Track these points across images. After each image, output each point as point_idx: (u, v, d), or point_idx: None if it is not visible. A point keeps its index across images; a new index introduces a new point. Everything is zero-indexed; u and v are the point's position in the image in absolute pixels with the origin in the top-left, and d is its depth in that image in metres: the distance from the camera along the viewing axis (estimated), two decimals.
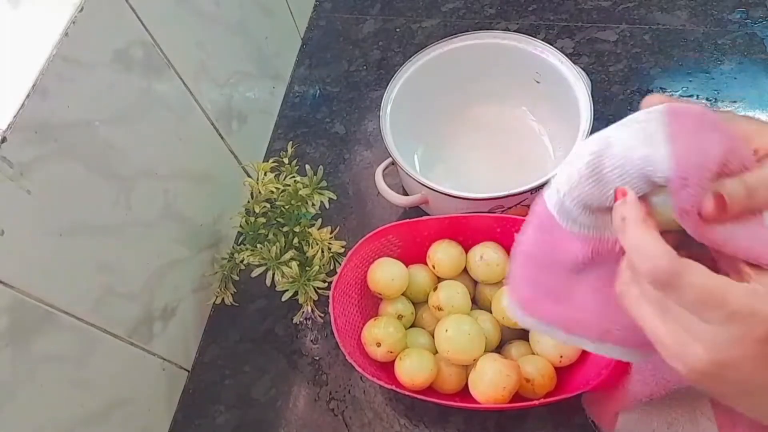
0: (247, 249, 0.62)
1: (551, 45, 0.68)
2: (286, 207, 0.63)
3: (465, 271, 0.62)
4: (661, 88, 0.77)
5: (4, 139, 0.41)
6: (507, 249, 0.61)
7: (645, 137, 0.30)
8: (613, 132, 0.31)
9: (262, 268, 0.61)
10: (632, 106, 0.76)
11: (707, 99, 0.75)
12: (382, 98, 0.68)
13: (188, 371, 0.67)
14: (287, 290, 0.61)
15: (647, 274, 0.29)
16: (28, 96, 0.42)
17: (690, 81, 0.77)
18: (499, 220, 0.60)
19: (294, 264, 0.60)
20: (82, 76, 0.47)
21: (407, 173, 0.63)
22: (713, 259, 0.32)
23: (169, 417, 0.64)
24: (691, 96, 0.76)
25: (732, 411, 0.43)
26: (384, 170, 0.67)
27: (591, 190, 0.32)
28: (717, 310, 0.28)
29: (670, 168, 0.29)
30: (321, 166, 0.66)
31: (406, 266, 0.61)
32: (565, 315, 0.37)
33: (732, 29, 0.81)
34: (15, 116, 0.41)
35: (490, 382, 0.52)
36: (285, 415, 0.62)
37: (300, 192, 0.63)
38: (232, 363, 0.67)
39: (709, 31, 0.81)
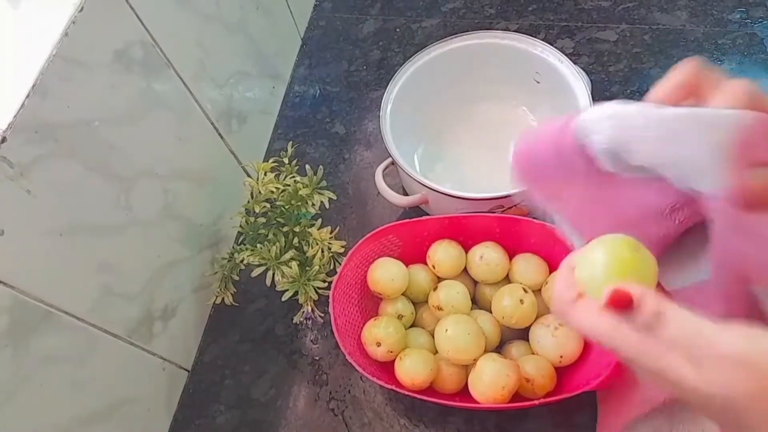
0: (247, 249, 0.62)
1: (551, 45, 0.68)
2: (286, 207, 0.63)
3: (465, 271, 0.62)
4: None
5: (4, 139, 0.41)
6: (507, 249, 0.61)
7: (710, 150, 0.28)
8: (685, 120, 0.28)
9: (262, 268, 0.61)
10: None
11: None
12: (382, 98, 0.68)
13: (188, 371, 0.67)
14: (287, 290, 0.61)
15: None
16: (28, 96, 0.42)
17: None
18: (499, 220, 0.60)
19: (294, 264, 0.60)
20: (82, 76, 0.47)
21: (407, 173, 0.63)
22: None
23: (169, 417, 0.64)
24: None
25: None
26: (384, 170, 0.67)
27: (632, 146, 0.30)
28: (703, 348, 0.28)
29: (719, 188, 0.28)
30: (321, 166, 0.66)
31: (406, 266, 0.61)
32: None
33: (732, 29, 0.81)
34: (15, 116, 0.41)
35: (489, 382, 0.52)
36: (285, 415, 0.62)
37: (300, 192, 0.63)
38: (232, 363, 0.67)
39: (709, 31, 0.81)
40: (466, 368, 0.57)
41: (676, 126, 0.28)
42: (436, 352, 0.58)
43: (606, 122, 0.30)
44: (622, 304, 0.30)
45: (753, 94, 0.29)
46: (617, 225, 0.34)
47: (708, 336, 0.28)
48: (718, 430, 0.47)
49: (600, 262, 0.31)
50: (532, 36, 0.69)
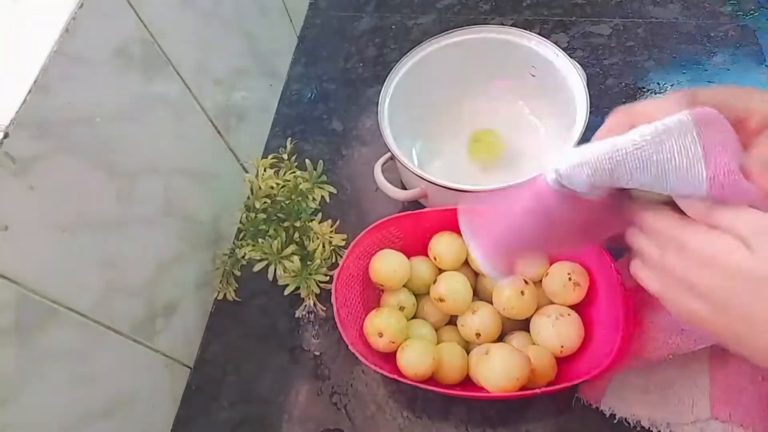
0: (248, 244, 0.62)
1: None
2: (287, 202, 0.64)
3: (466, 262, 0.62)
4: (656, 81, 0.78)
5: (6, 135, 0.41)
6: None
7: (684, 161, 0.32)
8: (650, 139, 0.32)
9: (264, 263, 0.61)
10: (627, 99, 0.77)
11: None
12: (378, 95, 0.69)
13: (190, 368, 0.67)
14: (289, 285, 0.61)
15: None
16: (29, 92, 0.43)
17: (683, 73, 0.78)
18: None
19: (295, 258, 0.61)
20: (82, 73, 0.48)
21: (406, 167, 0.63)
22: None
23: (172, 414, 0.64)
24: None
25: (729, 389, 0.45)
26: (383, 165, 0.68)
27: (618, 176, 0.34)
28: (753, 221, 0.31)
29: (707, 189, 0.32)
30: (321, 161, 0.66)
31: (408, 258, 0.61)
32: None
33: (724, 21, 0.81)
34: (17, 112, 0.42)
35: (502, 372, 0.52)
36: (288, 410, 0.63)
37: (300, 186, 0.63)
38: (235, 359, 0.67)
39: (701, 23, 0.82)
40: (468, 359, 0.58)
41: (644, 152, 0.32)
42: (438, 343, 0.58)
43: (580, 169, 0.34)
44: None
45: (687, 95, 0.34)
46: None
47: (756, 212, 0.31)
48: (706, 395, 0.49)
49: None
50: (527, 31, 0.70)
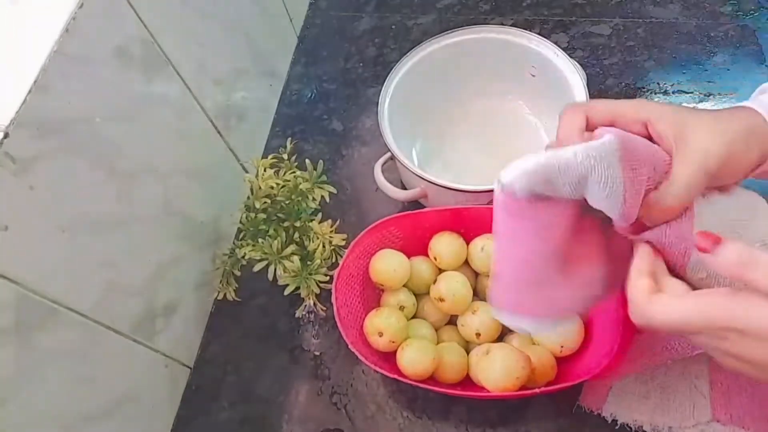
0: (248, 244, 0.62)
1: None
2: (287, 202, 0.64)
3: (466, 262, 0.62)
4: (656, 81, 0.78)
5: (6, 135, 0.41)
6: None
7: (607, 190, 0.36)
8: (580, 164, 0.36)
9: (264, 263, 0.61)
10: (627, 98, 0.77)
11: (701, 91, 0.76)
12: (378, 95, 0.69)
13: (190, 368, 0.67)
14: (289, 285, 0.61)
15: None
16: (29, 92, 0.42)
17: (683, 73, 0.78)
18: None
19: (295, 258, 0.61)
20: (82, 73, 0.48)
21: (406, 167, 0.63)
22: None
23: (172, 414, 0.64)
24: (684, 91, 0.77)
25: (729, 391, 0.45)
26: (383, 165, 0.68)
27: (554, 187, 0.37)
28: None
29: (621, 215, 0.37)
30: (321, 161, 0.66)
31: (408, 258, 0.61)
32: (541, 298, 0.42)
33: (724, 21, 0.82)
34: (17, 112, 0.42)
35: (502, 371, 0.52)
36: (288, 410, 0.63)
37: (300, 186, 0.63)
38: (234, 359, 0.67)
39: (701, 23, 0.82)
40: (467, 358, 0.58)
41: (579, 171, 0.36)
42: (438, 342, 0.58)
43: (524, 177, 0.37)
44: (708, 244, 0.32)
45: (608, 111, 0.39)
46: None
47: None
48: (707, 397, 0.50)
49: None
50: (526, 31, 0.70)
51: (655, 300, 0.34)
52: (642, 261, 0.37)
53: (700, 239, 0.33)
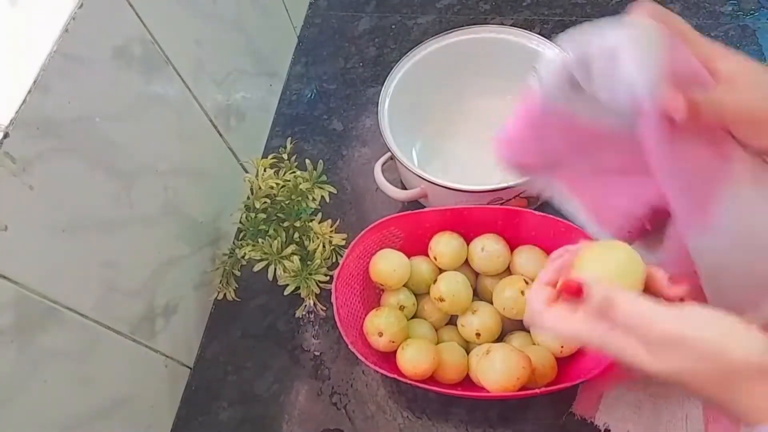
0: (248, 244, 0.62)
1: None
2: (286, 202, 0.64)
3: (466, 262, 0.62)
4: None
5: (6, 135, 0.41)
6: (508, 241, 0.62)
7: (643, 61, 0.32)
8: (623, 41, 0.33)
9: (264, 263, 0.61)
10: None
11: None
12: (378, 95, 0.69)
13: (190, 368, 0.67)
14: (289, 285, 0.61)
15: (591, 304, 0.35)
16: (29, 92, 0.43)
17: None
18: (501, 212, 0.61)
19: (295, 258, 0.61)
20: (82, 73, 0.48)
21: (406, 167, 0.63)
22: None
23: (172, 414, 0.64)
24: None
25: None
26: (383, 165, 0.68)
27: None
28: (649, 332, 0.32)
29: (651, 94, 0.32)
30: (321, 161, 0.66)
31: (408, 258, 0.61)
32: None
33: (724, 21, 0.81)
34: (17, 112, 0.42)
35: (503, 371, 0.52)
36: (288, 410, 0.63)
37: (300, 186, 0.63)
38: (234, 359, 0.67)
39: (702, 23, 0.82)
40: (467, 358, 0.58)
41: (616, 43, 0.33)
42: (438, 342, 0.58)
43: (564, 49, 0.34)
44: (572, 291, 0.35)
45: (662, 13, 0.34)
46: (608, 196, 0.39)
47: (650, 318, 0.32)
48: (699, 407, 0.50)
49: (597, 269, 0.36)
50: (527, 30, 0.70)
51: (551, 310, 0.36)
52: (546, 273, 0.39)
53: (566, 287, 0.36)
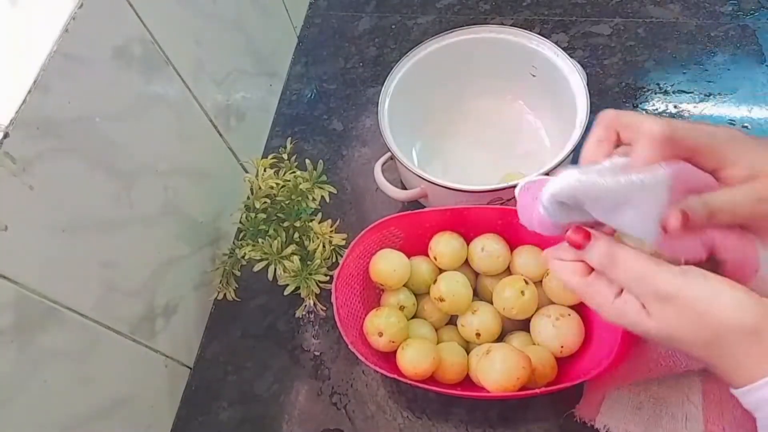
0: (248, 244, 0.62)
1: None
2: (286, 202, 0.64)
3: (466, 262, 0.62)
4: (656, 82, 0.78)
5: (6, 135, 0.41)
6: (508, 241, 0.62)
7: (647, 213, 0.34)
8: (625, 184, 0.35)
9: (264, 263, 0.61)
10: (627, 99, 0.77)
11: (701, 91, 0.76)
12: (378, 95, 0.69)
13: (190, 368, 0.67)
14: (289, 285, 0.61)
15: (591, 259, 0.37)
16: (29, 92, 0.43)
17: (684, 73, 0.78)
18: (501, 212, 0.61)
19: (295, 258, 0.61)
20: (82, 73, 0.48)
21: (406, 167, 0.63)
22: None
23: (172, 414, 0.64)
24: (684, 91, 0.77)
25: (721, 403, 0.46)
26: (383, 165, 0.68)
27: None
28: (647, 288, 0.34)
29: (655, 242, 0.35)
30: (321, 161, 0.66)
31: (408, 258, 0.61)
32: None
33: (724, 21, 0.81)
34: (17, 112, 0.42)
35: (503, 371, 0.52)
36: (288, 410, 0.63)
37: (300, 186, 0.63)
38: (234, 359, 0.67)
39: (702, 23, 0.82)
40: (468, 359, 0.58)
41: (619, 198, 0.34)
42: (438, 342, 0.58)
43: (565, 192, 0.36)
44: (580, 237, 0.37)
45: (665, 137, 0.35)
46: None
47: (650, 273, 0.34)
48: (699, 408, 0.50)
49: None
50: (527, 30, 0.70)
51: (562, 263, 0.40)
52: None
53: (573, 234, 0.37)
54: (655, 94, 0.77)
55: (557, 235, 0.40)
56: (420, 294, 0.63)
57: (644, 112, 0.76)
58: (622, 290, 0.37)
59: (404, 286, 0.62)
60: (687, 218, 0.34)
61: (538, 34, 0.69)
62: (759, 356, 0.32)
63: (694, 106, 0.75)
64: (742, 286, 0.33)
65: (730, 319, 0.32)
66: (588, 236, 0.37)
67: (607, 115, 0.38)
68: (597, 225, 0.38)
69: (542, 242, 0.61)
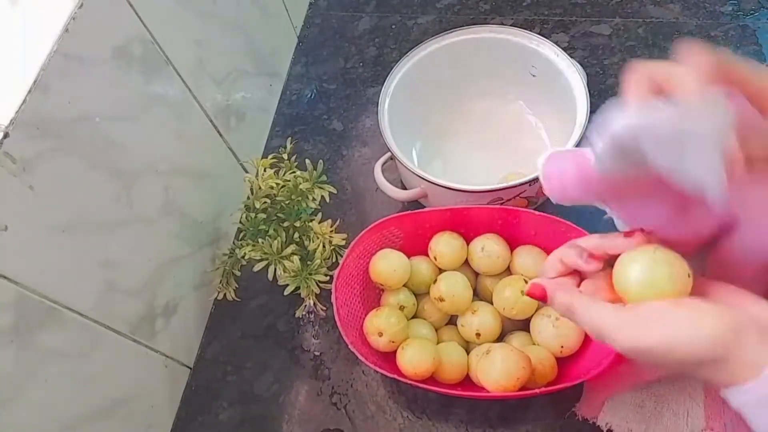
0: (248, 244, 0.62)
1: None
2: (286, 202, 0.64)
3: (466, 262, 0.62)
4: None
5: (6, 135, 0.41)
6: (508, 241, 0.62)
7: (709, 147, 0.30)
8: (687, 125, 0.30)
9: (264, 263, 0.61)
10: None
11: None
12: (379, 95, 0.68)
13: (190, 368, 0.67)
14: (289, 285, 0.61)
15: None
16: (29, 92, 0.43)
17: None
18: (501, 212, 0.61)
19: (295, 258, 0.61)
20: (82, 73, 0.48)
21: (406, 167, 0.63)
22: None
23: (172, 414, 0.64)
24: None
25: (722, 399, 0.45)
26: (383, 165, 0.68)
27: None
28: (608, 340, 0.35)
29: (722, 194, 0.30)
30: (321, 161, 0.66)
31: (408, 258, 0.61)
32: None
33: (724, 21, 0.81)
34: (17, 112, 0.42)
35: (502, 371, 0.52)
36: (288, 410, 0.63)
37: (300, 186, 0.63)
38: (234, 359, 0.67)
39: (702, 23, 0.82)
40: (467, 359, 0.58)
41: (682, 136, 0.30)
42: (438, 342, 0.58)
43: (623, 125, 0.32)
44: (536, 295, 0.39)
45: (716, 63, 0.32)
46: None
47: (605, 330, 0.35)
48: (701, 405, 0.50)
49: (633, 274, 0.36)
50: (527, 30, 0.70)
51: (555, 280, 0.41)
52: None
53: (533, 289, 0.39)
54: None
55: (590, 200, 0.38)
56: (420, 294, 0.63)
57: None
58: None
59: (404, 286, 0.62)
60: (752, 164, 0.30)
61: (538, 34, 0.69)
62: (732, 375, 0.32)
63: None
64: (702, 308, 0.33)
65: (691, 355, 0.32)
66: (544, 295, 0.39)
67: (637, 67, 0.34)
68: (640, 183, 0.34)
69: (542, 242, 0.61)
